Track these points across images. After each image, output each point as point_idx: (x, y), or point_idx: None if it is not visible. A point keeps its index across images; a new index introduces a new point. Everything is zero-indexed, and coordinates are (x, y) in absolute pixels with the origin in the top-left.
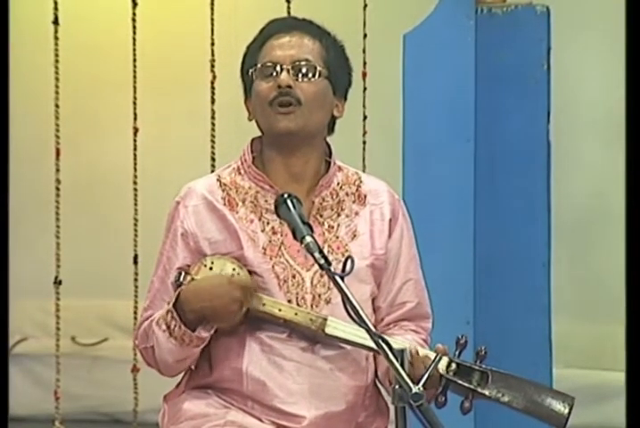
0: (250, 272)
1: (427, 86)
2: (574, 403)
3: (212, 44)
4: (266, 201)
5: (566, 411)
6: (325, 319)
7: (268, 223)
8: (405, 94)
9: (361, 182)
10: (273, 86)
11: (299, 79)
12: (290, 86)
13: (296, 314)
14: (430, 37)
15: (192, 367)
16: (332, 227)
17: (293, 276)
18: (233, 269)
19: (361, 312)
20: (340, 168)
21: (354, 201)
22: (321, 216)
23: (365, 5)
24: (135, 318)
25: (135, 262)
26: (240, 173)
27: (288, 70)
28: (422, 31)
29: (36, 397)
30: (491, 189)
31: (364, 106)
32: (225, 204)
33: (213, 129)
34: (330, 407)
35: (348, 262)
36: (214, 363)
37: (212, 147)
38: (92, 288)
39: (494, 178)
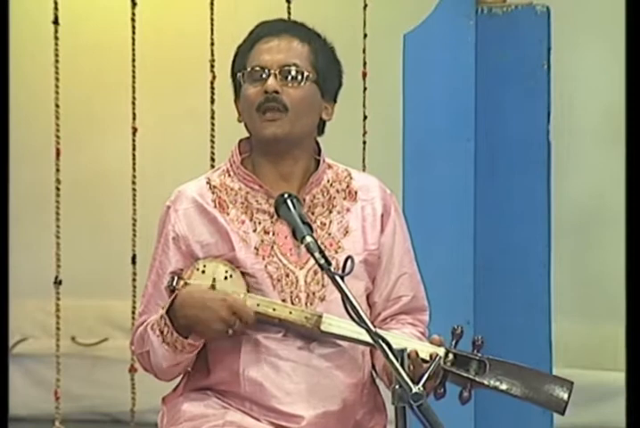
0: (243, 273)
1: (427, 86)
2: (573, 388)
3: (212, 44)
4: (256, 201)
5: (565, 395)
6: (320, 316)
7: (260, 223)
8: (405, 94)
9: (351, 178)
10: (260, 90)
11: (287, 84)
12: (277, 92)
13: (290, 313)
14: (430, 37)
15: (190, 370)
16: (325, 224)
17: (287, 275)
18: (226, 271)
19: (361, 312)
20: (329, 166)
21: (345, 198)
22: (312, 213)
23: (365, 5)
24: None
25: (134, 262)
26: (229, 175)
27: (275, 75)
28: (422, 31)
29: (36, 397)
30: (491, 189)
31: (364, 106)
32: (215, 206)
33: (213, 129)
34: (327, 406)
35: (348, 262)
36: (211, 365)
37: (212, 147)
38: (92, 288)
39: (494, 178)
